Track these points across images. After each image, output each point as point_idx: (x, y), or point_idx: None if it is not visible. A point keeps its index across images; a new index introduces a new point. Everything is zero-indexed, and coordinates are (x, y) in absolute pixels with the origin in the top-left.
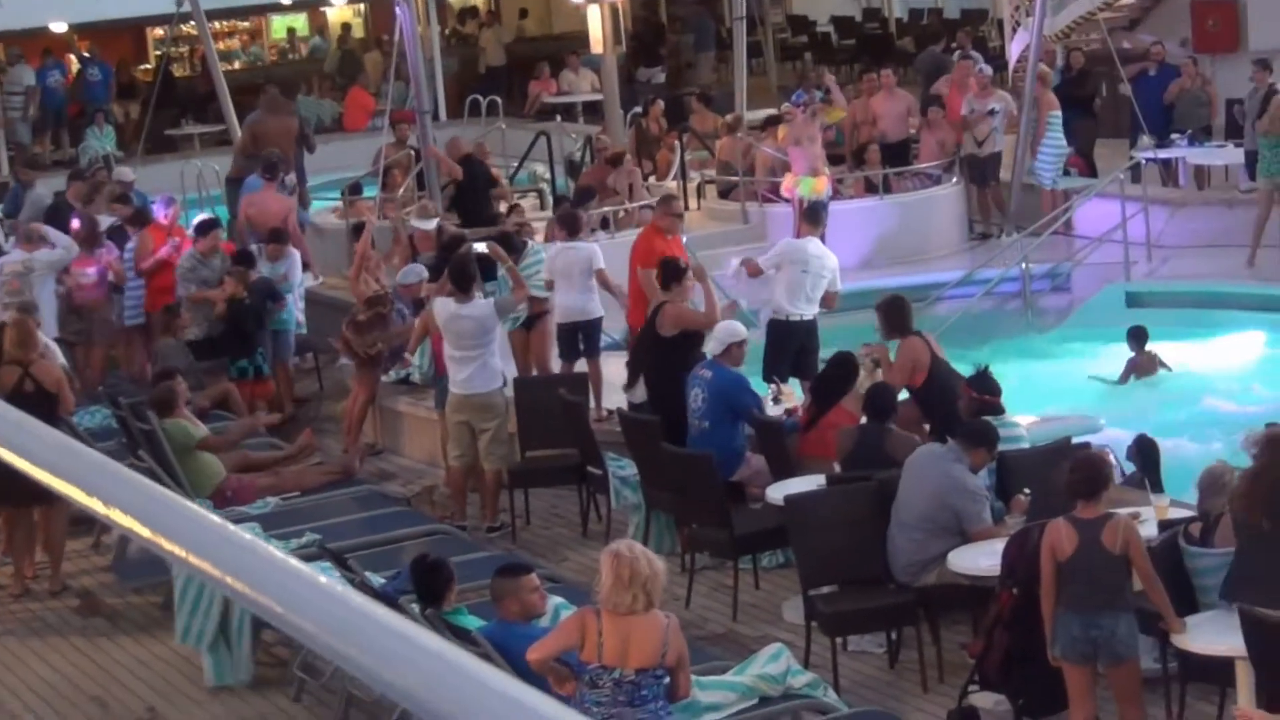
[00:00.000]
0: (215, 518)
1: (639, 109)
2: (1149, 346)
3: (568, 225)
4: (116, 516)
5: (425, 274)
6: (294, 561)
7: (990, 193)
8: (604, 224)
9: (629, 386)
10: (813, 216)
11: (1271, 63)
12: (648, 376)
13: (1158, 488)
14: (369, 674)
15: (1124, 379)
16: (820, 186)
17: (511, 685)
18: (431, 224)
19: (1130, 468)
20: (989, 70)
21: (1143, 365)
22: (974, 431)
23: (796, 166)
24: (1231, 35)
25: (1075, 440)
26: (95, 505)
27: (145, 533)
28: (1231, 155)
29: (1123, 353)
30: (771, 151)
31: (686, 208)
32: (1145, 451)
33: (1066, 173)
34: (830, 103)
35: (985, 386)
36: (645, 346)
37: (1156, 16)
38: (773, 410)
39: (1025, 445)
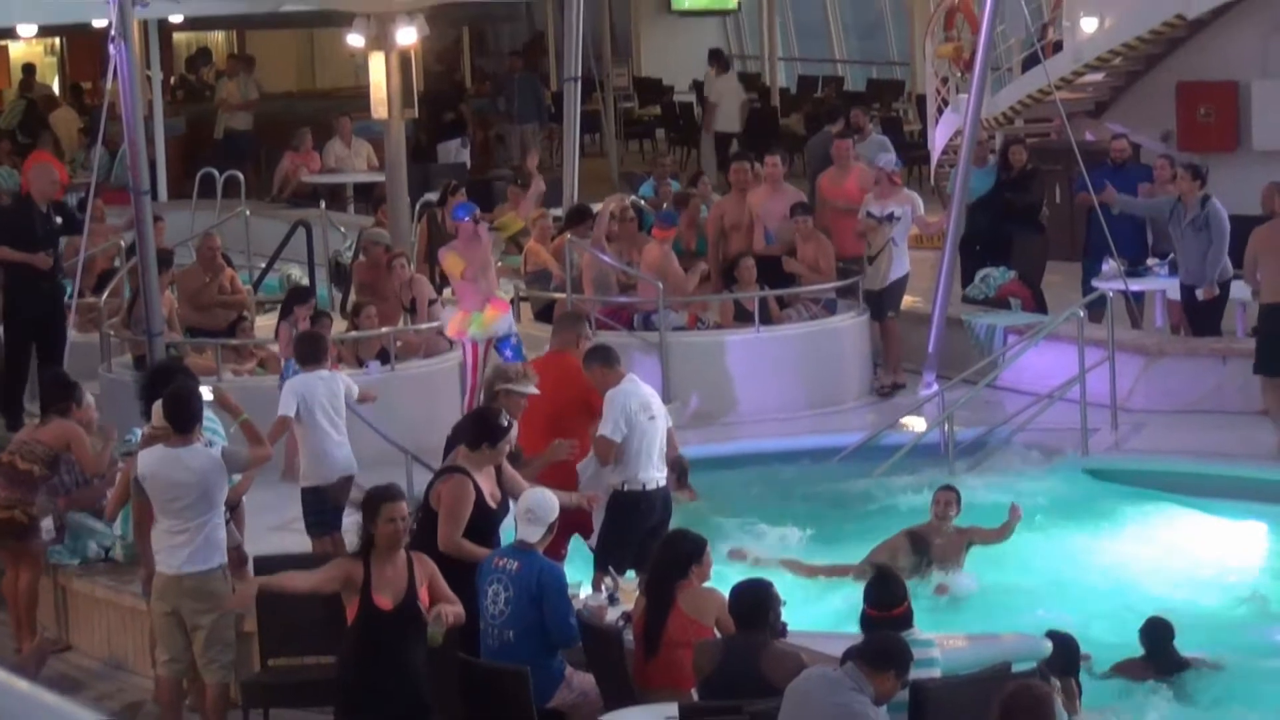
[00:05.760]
0: None
1: (432, 196)
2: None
3: (305, 350)
4: None
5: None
6: None
7: (887, 329)
8: (381, 354)
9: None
10: (607, 355)
11: (1206, 170)
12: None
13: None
14: None
15: None
16: (491, 317)
17: None
18: (532, 389)
19: None
20: (894, 160)
21: None
22: (880, 650)
23: (466, 301)
24: (1229, 129)
25: (1015, 668)
26: None
27: None
28: (1234, 289)
29: (1080, 547)
30: (609, 260)
31: None
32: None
33: (1006, 305)
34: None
35: (885, 593)
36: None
37: (1129, 101)
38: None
39: (937, 672)
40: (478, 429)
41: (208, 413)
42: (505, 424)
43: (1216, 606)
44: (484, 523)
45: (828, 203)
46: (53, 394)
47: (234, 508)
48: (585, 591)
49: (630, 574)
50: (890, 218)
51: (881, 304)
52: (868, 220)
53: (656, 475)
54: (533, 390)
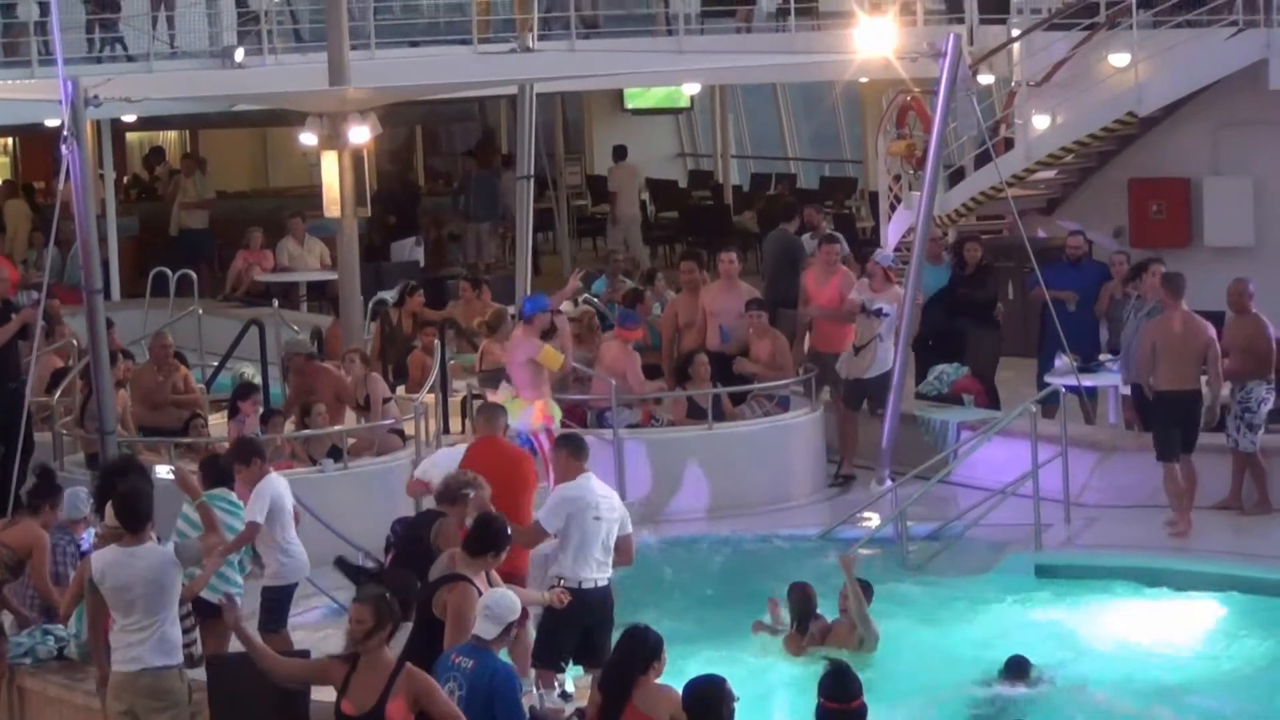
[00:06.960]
0: None
1: (386, 295)
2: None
3: (241, 454)
4: None
5: (87, 503)
6: None
7: (849, 419)
8: (333, 451)
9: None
10: (578, 447)
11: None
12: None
13: None
14: None
15: None
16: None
17: None
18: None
19: None
20: (890, 257)
21: None
22: None
23: (533, 391)
24: (1181, 225)
25: None
26: None
27: None
28: None
29: (1028, 644)
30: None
31: (447, 429)
32: None
33: (960, 400)
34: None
35: (841, 687)
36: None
37: (1082, 198)
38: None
39: None
40: (485, 538)
41: (185, 509)
42: (509, 531)
43: (1169, 701)
44: None
45: (811, 306)
46: (39, 489)
47: (186, 604)
48: (535, 690)
49: (578, 670)
50: (879, 313)
51: (862, 394)
52: (856, 307)
53: (595, 575)
54: (486, 487)
